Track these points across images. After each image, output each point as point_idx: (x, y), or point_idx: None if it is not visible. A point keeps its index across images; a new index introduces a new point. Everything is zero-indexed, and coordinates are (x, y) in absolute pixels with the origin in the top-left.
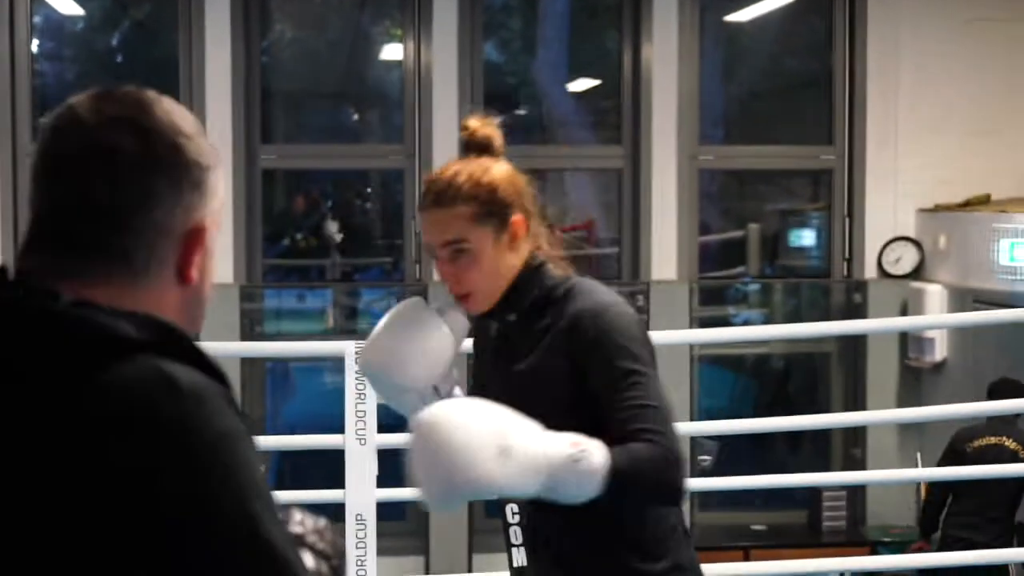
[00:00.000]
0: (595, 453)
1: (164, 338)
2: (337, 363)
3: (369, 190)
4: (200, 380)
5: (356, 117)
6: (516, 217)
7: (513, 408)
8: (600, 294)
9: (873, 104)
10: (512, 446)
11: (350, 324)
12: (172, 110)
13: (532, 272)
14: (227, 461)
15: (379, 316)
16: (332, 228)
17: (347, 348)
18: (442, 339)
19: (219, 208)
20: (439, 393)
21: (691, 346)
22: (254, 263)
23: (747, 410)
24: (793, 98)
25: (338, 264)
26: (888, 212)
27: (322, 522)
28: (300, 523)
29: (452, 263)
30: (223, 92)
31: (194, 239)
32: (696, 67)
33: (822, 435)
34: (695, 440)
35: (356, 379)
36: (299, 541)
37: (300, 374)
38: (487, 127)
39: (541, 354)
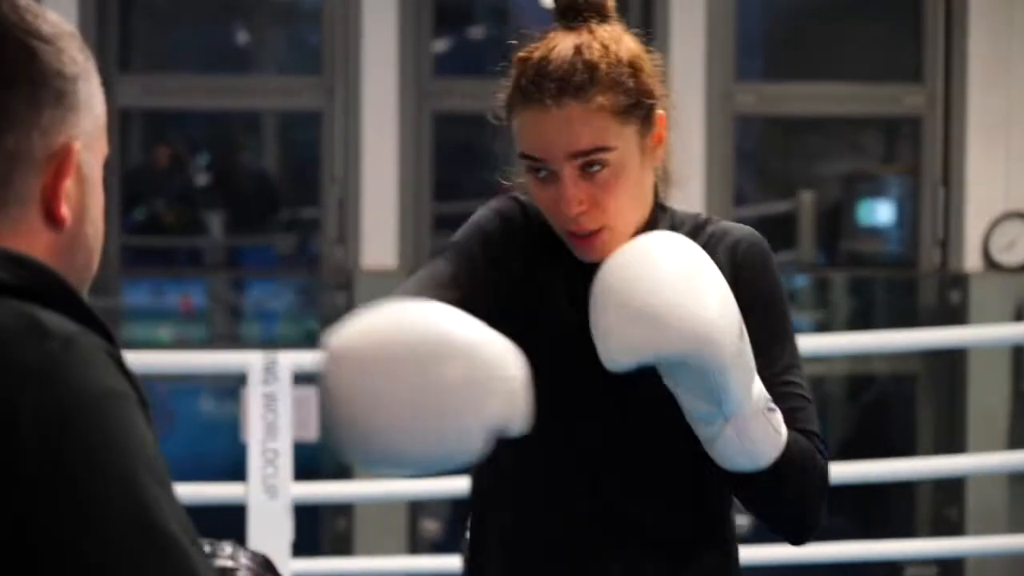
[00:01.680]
0: (777, 412)
1: (33, 280)
2: (220, 384)
3: (265, 139)
4: (77, 330)
5: (248, 37)
6: (660, 112)
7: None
8: (735, 223)
9: (980, 25)
10: (746, 337)
11: (234, 329)
12: (23, 6)
13: (656, 196)
14: (110, 426)
15: (274, 319)
16: (207, 193)
17: (250, 363)
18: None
19: (97, 127)
20: None
21: None
22: (107, 242)
23: None
24: (865, 17)
25: (219, 245)
26: (999, 178)
27: (259, 556)
28: (230, 557)
29: (583, 182)
30: (65, 3)
31: (61, 166)
32: None
33: (904, 489)
34: None
35: (264, 405)
36: None
37: (176, 399)
38: None
39: None
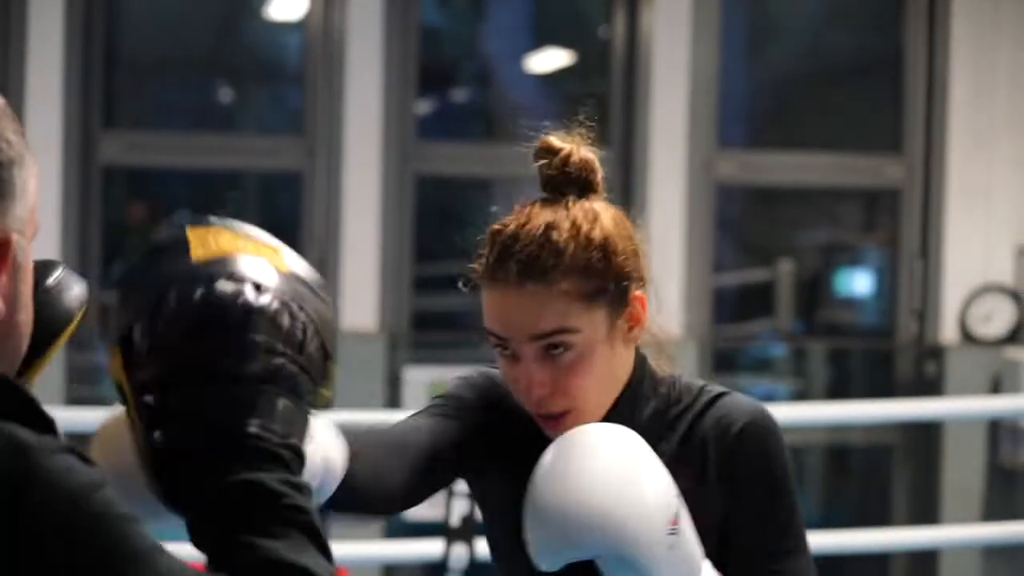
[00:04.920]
0: None
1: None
2: None
3: (247, 198)
4: (46, 439)
5: (231, 96)
6: (637, 292)
7: None
8: (743, 397)
9: (960, 97)
10: (683, 528)
11: None
12: None
13: (644, 370)
14: (108, 515)
15: None
16: None
17: None
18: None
19: (30, 211)
20: None
21: None
22: (88, 299)
23: None
24: (847, 87)
25: None
26: (977, 250)
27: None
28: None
29: (546, 365)
30: (51, 59)
31: None
32: (715, 41)
33: (878, 560)
34: None
35: None
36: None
37: None
38: (584, 147)
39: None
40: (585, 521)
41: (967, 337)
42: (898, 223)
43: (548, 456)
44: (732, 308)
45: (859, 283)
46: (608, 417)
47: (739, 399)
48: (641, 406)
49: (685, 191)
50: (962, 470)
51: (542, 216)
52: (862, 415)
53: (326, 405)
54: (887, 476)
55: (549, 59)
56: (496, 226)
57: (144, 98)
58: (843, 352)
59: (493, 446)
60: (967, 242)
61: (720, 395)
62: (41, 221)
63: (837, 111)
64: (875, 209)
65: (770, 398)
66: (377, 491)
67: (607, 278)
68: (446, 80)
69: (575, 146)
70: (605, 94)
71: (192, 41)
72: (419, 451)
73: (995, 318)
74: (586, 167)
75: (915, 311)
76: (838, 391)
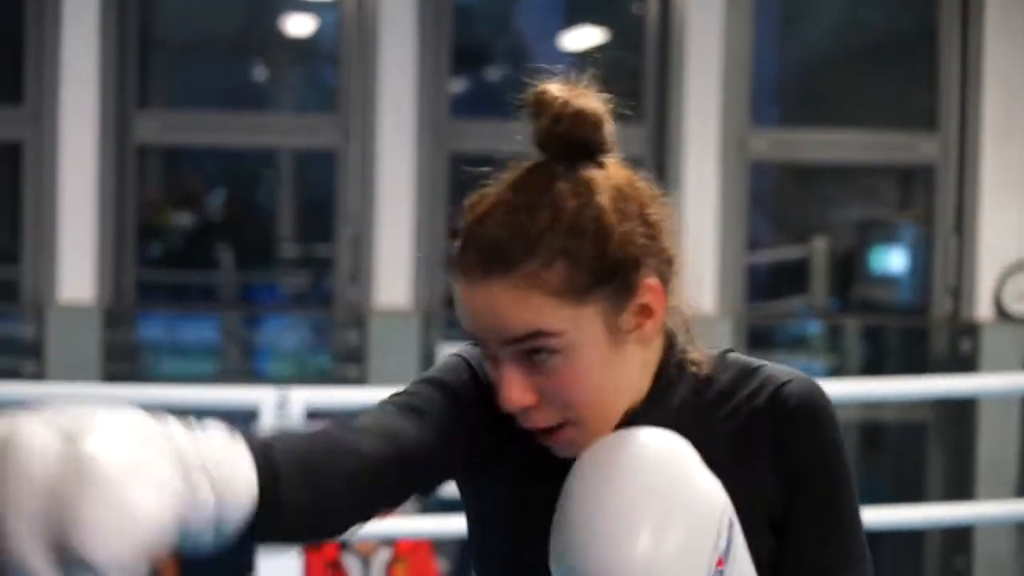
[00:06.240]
0: None
1: None
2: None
3: (281, 176)
4: None
5: (266, 75)
6: (649, 280)
7: None
8: (787, 369)
9: (995, 74)
10: (735, 567)
11: (247, 365)
12: None
13: (674, 369)
14: None
15: (286, 355)
16: (222, 229)
17: (262, 399)
18: None
19: None
20: None
21: None
22: (123, 276)
23: None
24: (881, 64)
25: (233, 281)
26: (1012, 227)
27: None
28: None
29: (524, 370)
30: (87, 40)
31: None
32: (749, 17)
33: (913, 537)
34: None
35: None
36: None
37: None
38: (587, 98)
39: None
40: (604, 556)
41: (1002, 314)
42: (933, 200)
43: (571, 485)
44: (767, 286)
45: (894, 260)
46: (624, 424)
47: (781, 372)
48: (668, 401)
49: (719, 169)
50: (996, 447)
51: (520, 193)
52: (897, 392)
53: None
54: (922, 453)
55: (582, 36)
56: (467, 202)
57: (179, 77)
58: (878, 329)
59: (477, 447)
60: (1002, 219)
61: (757, 370)
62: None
63: (871, 88)
64: (910, 186)
65: (806, 374)
66: (314, 516)
67: (601, 267)
68: (480, 58)
69: (574, 97)
70: (638, 72)
71: (227, 20)
72: (372, 461)
73: None
74: (583, 122)
75: (950, 288)
76: (873, 368)
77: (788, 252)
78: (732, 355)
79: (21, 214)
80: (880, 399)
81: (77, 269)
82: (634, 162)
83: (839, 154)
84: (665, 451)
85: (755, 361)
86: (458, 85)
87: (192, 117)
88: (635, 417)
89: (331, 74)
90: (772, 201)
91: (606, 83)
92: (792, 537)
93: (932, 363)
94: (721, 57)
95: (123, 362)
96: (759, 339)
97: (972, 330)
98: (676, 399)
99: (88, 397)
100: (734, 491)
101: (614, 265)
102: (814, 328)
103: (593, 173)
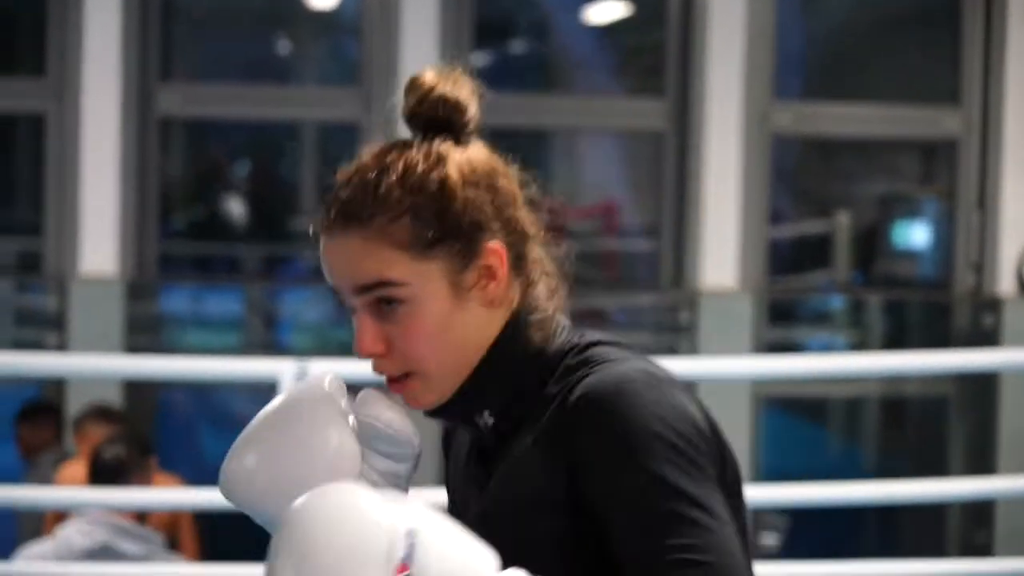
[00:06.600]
0: None
1: None
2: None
3: (304, 149)
4: None
5: (288, 48)
6: (492, 244)
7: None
8: (623, 367)
9: (1018, 47)
10: (430, 565)
11: (268, 337)
12: None
13: (518, 340)
14: None
15: (311, 330)
16: (238, 203)
17: (282, 371)
18: (340, 460)
19: None
20: None
21: (753, 382)
22: (146, 248)
23: (828, 473)
24: (904, 38)
25: (256, 255)
26: None
27: None
28: None
29: (380, 322)
30: (110, 12)
31: None
32: None
33: (934, 511)
34: (757, 513)
35: None
36: None
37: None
38: (453, 85)
39: (513, 475)
40: None
41: None
42: (955, 175)
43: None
44: (789, 260)
45: (916, 235)
46: (468, 390)
47: (606, 365)
48: (501, 380)
49: (741, 142)
50: (1018, 421)
51: (378, 159)
52: (919, 366)
53: None
54: (943, 427)
55: (606, 10)
56: (339, 171)
57: (202, 50)
58: (900, 304)
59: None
60: None
61: (593, 358)
62: (100, 173)
63: (894, 62)
64: (932, 160)
65: (828, 349)
66: None
67: (443, 226)
68: (503, 32)
69: (440, 83)
70: (661, 45)
71: None
72: None
73: None
74: (444, 106)
75: (972, 263)
76: (895, 343)
77: (811, 226)
78: (595, 349)
79: (44, 186)
80: (902, 373)
81: (100, 241)
82: (656, 136)
83: (862, 128)
84: (337, 505)
85: (599, 358)
86: (481, 59)
87: (215, 90)
88: (462, 391)
89: (354, 47)
90: (795, 175)
91: (629, 58)
92: (611, 531)
93: (954, 338)
94: (744, 30)
95: (145, 334)
96: (781, 314)
97: (994, 305)
98: (502, 385)
99: (110, 369)
100: (521, 474)
101: (457, 225)
102: (836, 303)
103: (448, 149)
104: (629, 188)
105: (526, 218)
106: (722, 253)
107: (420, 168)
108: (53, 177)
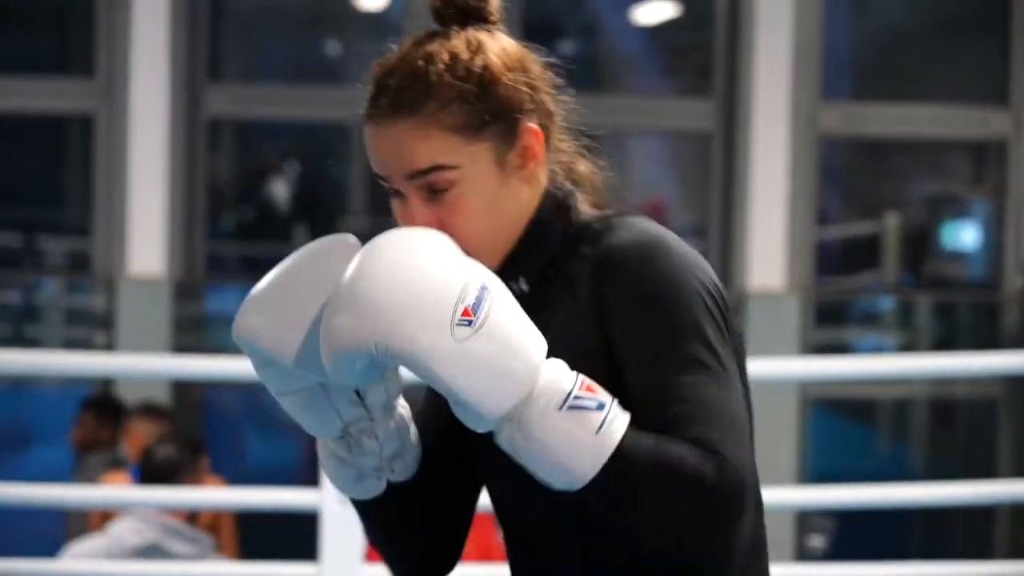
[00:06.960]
0: (615, 417)
1: None
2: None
3: (353, 150)
4: None
5: (337, 49)
6: (530, 124)
7: None
8: (650, 225)
9: None
10: (492, 323)
11: None
12: None
13: (554, 212)
14: None
15: None
16: (286, 203)
17: None
18: None
19: None
20: (364, 403)
21: (801, 383)
22: (194, 249)
23: (877, 475)
24: (953, 39)
25: None
26: None
27: None
28: None
29: (430, 205)
30: (158, 13)
31: None
32: None
33: (982, 512)
34: (804, 515)
35: None
36: None
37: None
38: None
39: (550, 329)
40: (344, 311)
41: None
42: (1005, 175)
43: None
44: (838, 261)
45: (966, 235)
46: (507, 261)
47: (632, 226)
48: (539, 249)
49: (789, 143)
50: None
51: (421, 48)
52: (968, 368)
53: None
54: (992, 428)
55: (654, 11)
56: (378, 62)
57: (250, 51)
58: (949, 305)
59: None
60: None
61: (620, 224)
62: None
63: (943, 63)
64: (982, 161)
65: (876, 350)
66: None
67: (489, 109)
68: (552, 32)
69: None
70: (709, 46)
71: None
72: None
73: None
74: None
75: (1022, 263)
76: (944, 344)
77: (859, 227)
78: (622, 217)
79: (93, 187)
80: (951, 375)
81: (148, 242)
82: (704, 136)
83: (911, 129)
84: (423, 236)
85: (627, 222)
86: None
87: (264, 91)
88: (508, 263)
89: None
90: (843, 176)
91: (678, 58)
92: (628, 365)
93: (1003, 338)
94: (792, 31)
95: (193, 334)
96: (829, 315)
97: None
98: (539, 253)
99: (158, 369)
100: (559, 327)
101: (501, 107)
102: (885, 304)
103: (483, 36)
104: (677, 188)
105: (551, 101)
106: (769, 254)
107: (464, 55)
108: (102, 178)
